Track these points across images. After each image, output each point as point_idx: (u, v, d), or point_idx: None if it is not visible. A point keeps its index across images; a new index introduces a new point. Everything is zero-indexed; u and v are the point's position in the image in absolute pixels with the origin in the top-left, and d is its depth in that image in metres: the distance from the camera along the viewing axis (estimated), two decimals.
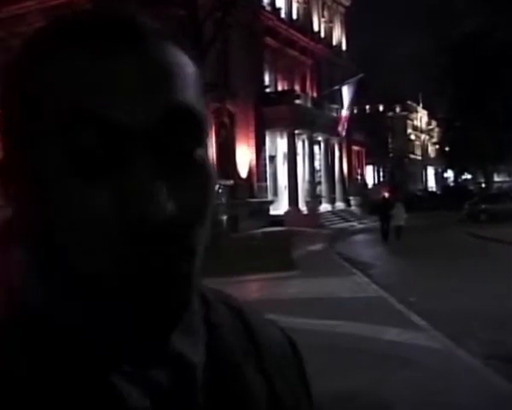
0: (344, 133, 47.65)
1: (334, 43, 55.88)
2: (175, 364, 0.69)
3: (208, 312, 0.80)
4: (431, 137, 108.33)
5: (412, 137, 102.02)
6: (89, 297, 0.65)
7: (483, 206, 40.17)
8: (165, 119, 0.63)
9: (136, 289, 0.63)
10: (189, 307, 0.69)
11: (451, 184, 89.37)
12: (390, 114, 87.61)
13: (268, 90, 42.74)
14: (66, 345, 0.65)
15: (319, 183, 45.78)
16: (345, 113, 46.11)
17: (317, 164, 45.51)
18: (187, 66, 0.68)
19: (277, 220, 37.71)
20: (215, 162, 34.85)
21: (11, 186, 0.68)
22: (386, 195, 34.82)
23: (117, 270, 0.62)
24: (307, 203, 41.85)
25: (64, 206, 0.62)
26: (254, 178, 39.34)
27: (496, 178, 73.55)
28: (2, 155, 0.69)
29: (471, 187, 72.95)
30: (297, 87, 46.33)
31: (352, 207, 51.12)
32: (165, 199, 0.61)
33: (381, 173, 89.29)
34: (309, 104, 43.98)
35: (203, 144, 0.68)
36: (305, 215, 39.82)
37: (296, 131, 40.76)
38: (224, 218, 32.50)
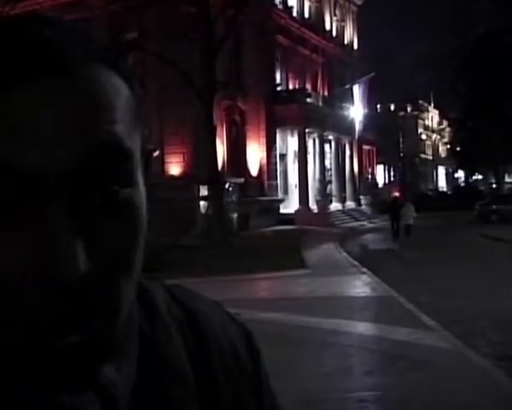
0: (353, 131, 47.61)
1: (346, 42, 55.79)
2: (98, 393, 0.64)
3: (148, 322, 0.75)
4: (442, 137, 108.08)
5: (423, 136, 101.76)
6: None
7: (494, 206, 40.02)
8: (87, 161, 0.56)
9: (45, 343, 0.57)
10: (109, 351, 0.62)
11: (462, 185, 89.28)
12: (401, 113, 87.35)
13: (279, 88, 42.71)
14: None
15: (330, 182, 45.72)
16: (360, 116, 46.06)
17: (327, 163, 45.47)
18: (117, 94, 0.61)
19: (287, 219, 37.69)
20: (226, 160, 34.91)
21: None
22: (397, 194, 35.21)
23: (30, 332, 0.56)
24: (317, 202, 41.82)
25: None
26: (265, 177, 39.31)
27: (507, 179, 73.28)
28: None
29: (482, 187, 72.82)
30: (308, 86, 46.28)
31: (363, 207, 51.06)
32: (81, 255, 0.55)
33: (392, 173, 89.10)
34: (320, 103, 43.94)
35: (132, 182, 0.60)
36: (316, 214, 39.79)
37: (307, 130, 40.72)
38: (235, 216, 32.54)
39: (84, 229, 0.56)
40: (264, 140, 39.34)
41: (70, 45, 0.58)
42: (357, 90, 46.69)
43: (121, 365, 0.67)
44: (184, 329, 0.79)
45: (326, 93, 48.80)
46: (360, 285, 15.77)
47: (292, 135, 42.16)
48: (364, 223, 43.44)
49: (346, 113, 46.31)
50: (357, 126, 46.51)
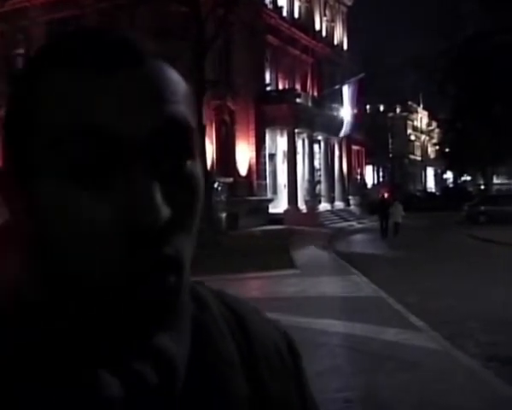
0: (348, 133, 47.69)
1: (336, 42, 55.87)
2: (155, 358, 0.71)
3: (198, 309, 0.82)
4: (431, 138, 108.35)
5: (412, 137, 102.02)
6: (80, 297, 0.67)
7: (482, 208, 40.14)
8: (159, 130, 0.66)
9: (126, 290, 0.65)
10: (174, 307, 0.71)
11: (451, 186, 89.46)
12: (390, 114, 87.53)
13: (269, 88, 42.73)
14: (56, 339, 0.68)
15: (319, 182, 45.78)
16: (348, 116, 46.10)
17: (316, 163, 45.52)
18: (179, 83, 0.71)
19: (277, 219, 37.70)
20: (215, 160, 34.87)
21: (10, 194, 0.71)
22: (385, 195, 35.80)
23: (110, 272, 0.65)
24: (306, 202, 41.86)
25: (64, 215, 0.65)
26: (254, 176, 39.32)
27: (495, 180, 73.53)
28: (3, 163, 0.72)
29: (470, 189, 73.01)
30: (298, 86, 46.35)
31: (352, 207, 51.15)
32: (162, 206, 0.64)
33: (381, 173, 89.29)
34: (309, 103, 43.98)
35: (194, 157, 0.71)
36: (305, 214, 39.82)
37: (296, 130, 40.75)
38: (224, 215, 32.51)
39: (160, 188, 0.65)
40: (253, 140, 39.34)
41: (147, 45, 0.70)
42: (346, 90, 46.75)
43: (177, 338, 0.75)
44: (233, 327, 0.86)
45: (316, 93, 48.81)
46: (349, 285, 15.78)
47: (281, 135, 42.18)
48: (353, 223, 43.50)
49: (335, 113, 46.37)
50: (344, 126, 46.48)
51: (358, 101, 48.43)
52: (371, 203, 55.37)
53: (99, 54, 0.67)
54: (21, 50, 36.32)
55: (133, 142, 0.65)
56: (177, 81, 0.71)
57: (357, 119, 48.70)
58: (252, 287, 15.78)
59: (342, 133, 46.92)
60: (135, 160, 0.65)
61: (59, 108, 0.65)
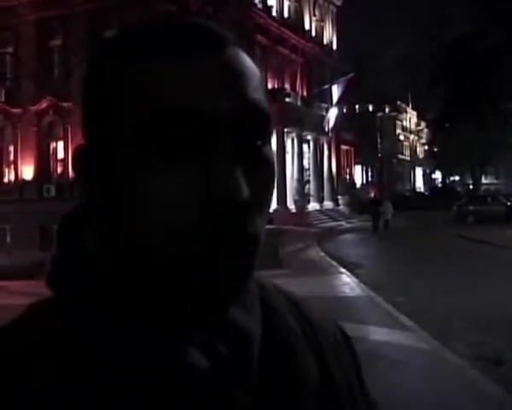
0: (331, 132, 47.63)
1: (325, 42, 55.88)
2: (233, 333, 0.75)
3: (264, 294, 0.86)
4: (420, 138, 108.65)
5: (401, 137, 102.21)
6: (160, 271, 0.70)
7: (471, 207, 40.32)
8: (241, 113, 0.70)
9: (208, 263, 0.68)
10: (248, 282, 0.75)
11: (439, 185, 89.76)
12: (379, 114, 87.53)
13: None
14: (138, 311, 0.72)
15: (308, 181, 45.80)
16: (335, 112, 46.07)
17: (305, 163, 45.54)
18: (256, 71, 0.76)
19: None
20: None
21: (89, 171, 0.75)
22: (375, 194, 37.32)
23: (193, 245, 0.68)
24: (296, 202, 41.86)
25: (147, 189, 0.68)
26: None
27: (483, 180, 73.78)
28: (81, 147, 0.77)
29: (459, 188, 73.30)
30: (287, 85, 46.34)
31: (341, 207, 51.21)
32: (244, 182, 0.68)
33: (370, 173, 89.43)
34: (299, 103, 44.00)
35: (269, 141, 0.75)
36: (294, 214, 39.85)
37: (285, 130, 40.75)
38: None
39: (242, 166, 0.69)
40: None
41: (227, 34, 0.75)
42: (335, 90, 46.77)
43: (249, 316, 0.78)
44: (292, 309, 0.90)
45: (305, 93, 48.82)
46: (338, 285, 15.80)
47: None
48: (342, 223, 43.58)
49: (324, 113, 46.39)
50: (331, 123, 46.37)
51: (347, 101, 48.44)
52: (360, 203, 55.54)
53: (183, 39, 0.71)
54: (10, 49, 36.14)
55: (217, 121, 0.68)
56: (254, 69, 0.75)
57: (345, 118, 48.70)
58: None
59: (329, 130, 46.74)
60: (218, 138, 0.68)
61: (146, 89, 0.69)
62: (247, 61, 0.75)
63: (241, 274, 0.71)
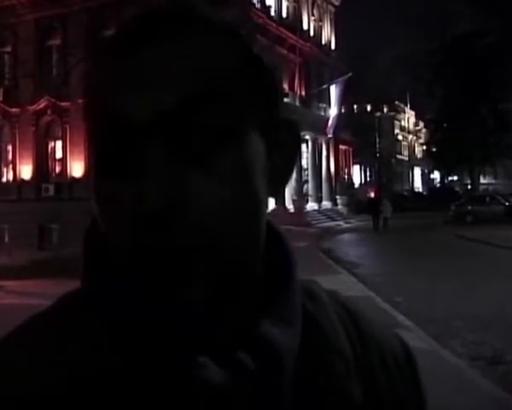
0: (331, 133, 47.65)
1: (324, 42, 55.84)
2: (260, 347, 0.69)
3: (310, 303, 0.81)
4: (418, 137, 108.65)
5: (399, 137, 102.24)
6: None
7: (469, 207, 40.29)
8: (182, 108, 0.62)
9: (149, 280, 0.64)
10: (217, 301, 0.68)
11: (438, 185, 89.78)
12: (378, 114, 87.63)
13: None
14: (150, 329, 0.67)
15: (306, 181, 45.81)
16: (334, 113, 46.07)
17: (304, 163, 45.52)
18: (210, 56, 0.66)
19: None
20: None
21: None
22: (374, 194, 38.58)
23: (137, 256, 0.64)
24: (294, 202, 41.85)
25: (100, 200, 0.67)
26: None
27: (482, 180, 73.82)
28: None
29: (457, 188, 73.23)
30: (285, 85, 46.28)
31: (339, 207, 51.23)
32: (171, 192, 0.61)
33: (368, 173, 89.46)
34: (297, 103, 44.01)
35: (242, 134, 0.66)
36: (292, 214, 39.81)
37: None
38: None
39: (181, 168, 0.62)
40: None
41: (161, 23, 0.67)
42: (334, 90, 46.78)
43: (286, 331, 0.72)
44: (345, 321, 0.83)
45: (303, 93, 48.79)
46: (337, 285, 15.75)
47: None
48: (340, 223, 43.59)
49: (323, 113, 46.40)
50: (330, 123, 46.31)
51: (346, 100, 48.41)
52: (358, 203, 55.54)
53: (125, 36, 0.67)
54: (8, 48, 36.14)
55: (146, 122, 0.62)
56: (221, 48, 0.67)
57: (344, 118, 48.70)
58: None
59: (327, 130, 46.68)
60: (149, 142, 0.62)
61: (89, 95, 0.68)
62: (210, 42, 0.66)
63: (193, 290, 0.64)
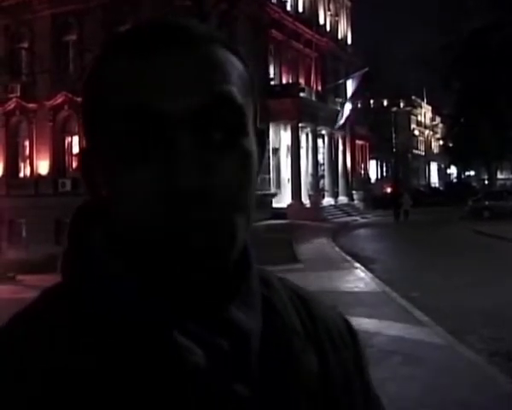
0: (344, 127, 47.44)
1: (340, 36, 55.70)
2: (232, 330, 0.78)
3: (267, 290, 0.89)
4: (435, 132, 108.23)
5: (416, 132, 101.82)
6: (146, 260, 0.75)
7: (486, 203, 40.04)
8: (206, 106, 0.73)
9: (173, 254, 0.72)
10: (238, 280, 0.81)
11: (454, 181, 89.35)
12: (394, 109, 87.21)
13: (272, 82, 42.56)
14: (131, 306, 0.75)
15: (322, 176, 45.66)
16: (348, 107, 45.91)
17: (320, 157, 45.39)
18: (235, 66, 0.78)
19: (280, 213, 37.59)
20: None
21: (86, 171, 0.82)
22: (392, 189, 40.28)
23: (160, 237, 0.72)
24: (310, 197, 41.79)
25: (119, 187, 0.73)
26: None
27: (499, 175, 73.40)
28: (83, 146, 0.83)
29: (474, 184, 72.91)
30: (301, 80, 46.19)
31: (355, 202, 51.06)
32: (202, 175, 0.70)
33: (385, 168, 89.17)
34: (313, 97, 43.90)
35: (247, 135, 0.77)
36: (308, 209, 39.76)
37: (300, 124, 40.64)
38: None
39: (205, 158, 0.72)
40: None
41: (199, 29, 0.78)
42: (350, 85, 46.62)
43: (250, 314, 0.81)
44: (296, 304, 0.93)
45: (319, 88, 48.68)
46: (353, 280, 15.77)
47: (285, 129, 42.06)
48: (357, 218, 43.46)
49: (339, 107, 46.25)
50: (344, 118, 46.08)
51: (362, 95, 48.20)
52: (375, 198, 55.36)
53: (147, 37, 0.75)
54: (25, 44, 36.31)
55: (175, 117, 0.71)
56: (231, 64, 0.78)
57: (360, 112, 48.50)
58: None
59: (337, 125, 46.40)
60: (178, 134, 0.71)
61: (114, 90, 0.74)
62: (221, 57, 0.77)
63: (210, 262, 0.73)
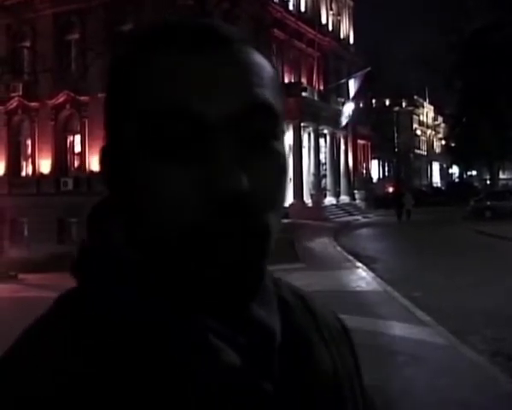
0: (346, 126, 47.47)
1: (342, 36, 55.71)
2: (255, 328, 0.78)
3: (278, 289, 0.90)
4: (437, 132, 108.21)
5: (418, 132, 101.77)
6: (172, 260, 0.74)
7: (488, 203, 40.01)
8: (245, 110, 0.73)
9: (210, 255, 0.71)
10: (260, 279, 0.80)
11: (456, 180, 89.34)
12: (396, 108, 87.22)
13: None
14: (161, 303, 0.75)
15: (324, 176, 45.69)
16: (350, 106, 45.92)
17: (322, 157, 45.41)
18: (265, 69, 0.78)
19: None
20: None
21: (109, 170, 0.80)
22: (394, 188, 40.59)
23: (196, 237, 0.71)
24: (312, 196, 41.81)
25: (154, 188, 0.72)
26: None
27: (501, 175, 73.36)
28: (104, 144, 0.82)
29: (476, 184, 72.85)
30: (304, 79, 46.20)
31: (357, 201, 51.09)
32: (245, 176, 0.70)
33: (386, 168, 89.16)
34: (315, 97, 43.88)
35: (280, 138, 0.78)
36: (310, 208, 39.77)
37: (302, 124, 40.65)
38: None
39: (244, 163, 0.71)
40: None
41: (234, 32, 0.78)
42: (352, 84, 46.62)
43: (269, 312, 0.82)
44: (298, 303, 0.94)
45: (321, 87, 48.67)
46: (355, 280, 15.77)
47: (287, 129, 41.61)
48: (359, 217, 43.48)
49: (341, 107, 46.26)
50: (346, 118, 46.09)
51: (364, 95, 48.19)
52: (377, 197, 55.33)
53: (185, 38, 0.75)
54: (27, 43, 36.34)
55: (215, 121, 0.71)
56: (263, 66, 0.78)
57: (362, 112, 48.48)
58: None
59: (341, 125, 46.48)
60: (217, 137, 0.71)
61: (150, 89, 0.73)
62: (255, 59, 0.77)
63: (246, 264, 0.73)
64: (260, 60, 0.78)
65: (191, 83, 0.72)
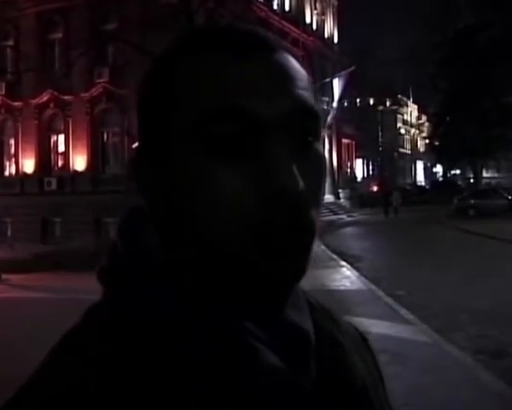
0: (329, 124, 47.51)
1: (326, 35, 55.73)
2: (291, 331, 0.79)
3: (305, 294, 0.89)
4: (421, 131, 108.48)
5: (402, 131, 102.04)
6: (219, 261, 0.74)
7: (472, 201, 40.25)
8: (295, 111, 0.75)
9: (263, 255, 0.72)
10: (301, 278, 0.78)
11: (440, 179, 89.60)
12: (380, 107, 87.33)
13: None
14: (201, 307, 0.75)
15: None
16: (335, 105, 45.99)
17: None
18: (305, 74, 0.82)
19: None
20: None
21: (144, 173, 0.80)
22: (378, 187, 41.10)
23: (251, 236, 0.72)
24: None
25: (204, 187, 0.73)
26: None
27: (485, 174, 73.65)
28: (138, 146, 0.83)
29: (460, 182, 73.15)
30: None
31: (341, 200, 51.17)
32: (299, 176, 0.72)
33: (371, 167, 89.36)
34: None
35: (319, 138, 0.79)
36: None
37: None
38: None
39: (296, 160, 0.73)
40: None
41: (276, 39, 0.83)
42: (336, 83, 46.68)
43: (303, 316, 0.82)
44: (324, 310, 0.93)
45: None
46: (339, 278, 15.82)
47: None
48: (343, 216, 43.61)
49: (325, 107, 46.30)
50: (330, 118, 46.16)
51: (349, 94, 48.26)
52: (361, 196, 55.47)
53: (238, 42, 0.77)
54: (11, 42, 36.13)
55: (269, 120, 0.73)
56: (303, 72, 0.82)
57: (346, 111, 48.57)
58: None
59: (326, 124, 46.48)
60: (275, 136, 0.73)
61: (205, 89, 0.74)
62: (296, 64, 0.81)
63: (298, 266, 0.75)
64: (300, 66, 0.82)
65: (246, 84, 0.74)
